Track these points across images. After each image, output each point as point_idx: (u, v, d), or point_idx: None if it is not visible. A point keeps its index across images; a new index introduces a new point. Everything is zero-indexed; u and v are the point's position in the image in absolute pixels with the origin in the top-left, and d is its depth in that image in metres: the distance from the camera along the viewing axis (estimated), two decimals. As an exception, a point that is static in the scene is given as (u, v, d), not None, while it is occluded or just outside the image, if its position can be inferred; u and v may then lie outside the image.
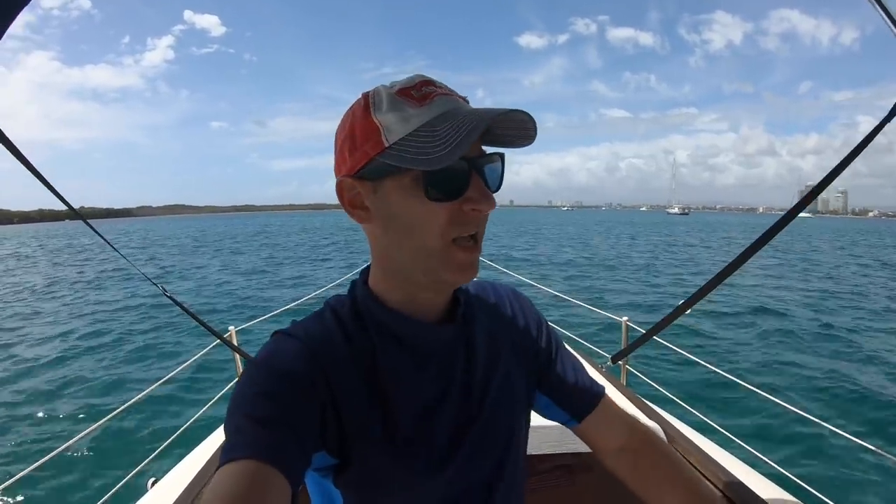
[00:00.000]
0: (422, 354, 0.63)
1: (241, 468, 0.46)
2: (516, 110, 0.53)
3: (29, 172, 1.29)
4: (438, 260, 0.57)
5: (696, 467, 1.38)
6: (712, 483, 1.30)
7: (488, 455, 0.65)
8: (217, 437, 1.83)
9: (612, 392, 1.75)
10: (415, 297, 0.62)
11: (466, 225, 0.56)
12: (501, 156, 0.59)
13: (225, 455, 0.48)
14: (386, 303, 0.62)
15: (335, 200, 0.59)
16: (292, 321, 0.63)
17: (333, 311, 0.63)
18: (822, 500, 2.05)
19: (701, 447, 1.46)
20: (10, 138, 1.16)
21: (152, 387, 2.79)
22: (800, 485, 2.13)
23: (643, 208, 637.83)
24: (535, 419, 0.77)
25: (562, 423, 0.78)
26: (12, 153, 1.21)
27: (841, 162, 1.39)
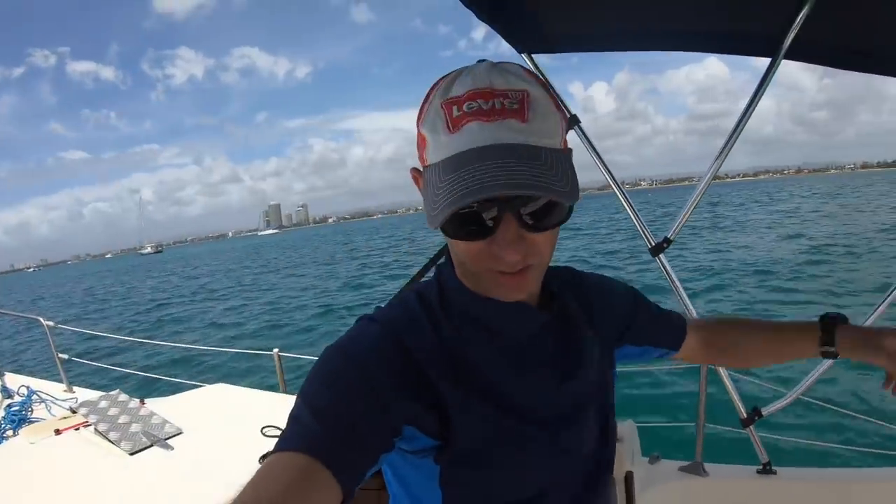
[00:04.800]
0: (514, 339, 0.62)
1: (292, 461, 0.45)
2: (528, 186, 0.46)
3: None
4: (480, 279, 0.57)
5: None
6: None
7: (585, 431, 0.66)
8: None
9: None
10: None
11: (496, 263, 0.53)
12: None
13: (279, 442, 0.47)
14: (473, 289, 0.61)
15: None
16: (377, 307, 0.63)
17: (420, 296, 0.63)
18: None
19: None
20: None
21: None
22: None
23: (108, 255, 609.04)
24: None
25: (664, 357, 0.86)
26: None
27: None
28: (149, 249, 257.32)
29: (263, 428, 1.81)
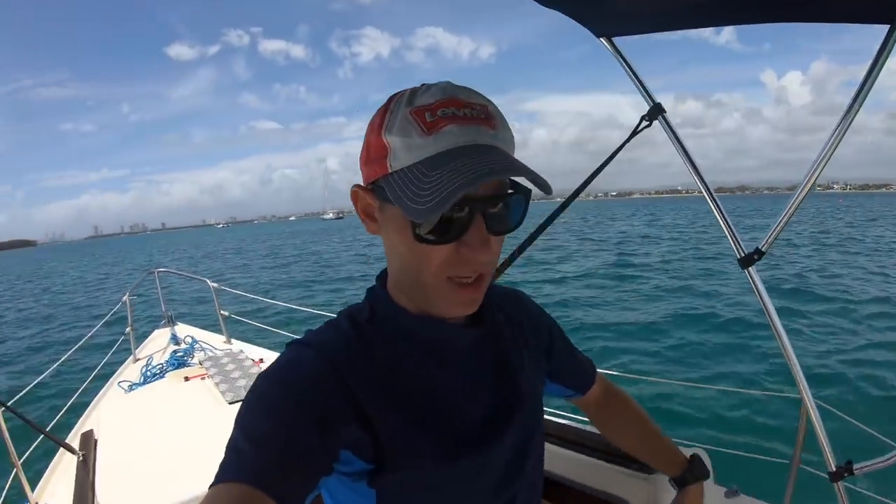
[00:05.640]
0: (447, 356, 0.62)
1: (232, 492, 0.45)
2: (527, 171, 0.49)
3: None
4: (432, 294, 0.56)
5: None
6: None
7: (520, 452, 0.66)
8: None
9: None
10: (432, 309, 0.60)
11: (462, 267, 0.53)
12: (525, 192, 0.55)
13: (219, 474, 0.47)
14: (407, 308, 0.61)
15: None
16: (307, 330, 0.62)
17: (351, 318, 0.62)
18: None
19: None
20: None
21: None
22: None
23: (292, 218, 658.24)
24: None
25: (566, 398, 0.88)
26: None
27: (600, 165, 1.61)
28: (330, 215, 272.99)
29: None
